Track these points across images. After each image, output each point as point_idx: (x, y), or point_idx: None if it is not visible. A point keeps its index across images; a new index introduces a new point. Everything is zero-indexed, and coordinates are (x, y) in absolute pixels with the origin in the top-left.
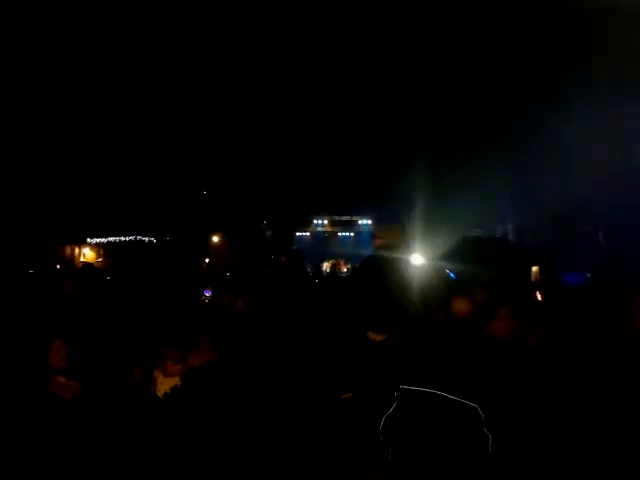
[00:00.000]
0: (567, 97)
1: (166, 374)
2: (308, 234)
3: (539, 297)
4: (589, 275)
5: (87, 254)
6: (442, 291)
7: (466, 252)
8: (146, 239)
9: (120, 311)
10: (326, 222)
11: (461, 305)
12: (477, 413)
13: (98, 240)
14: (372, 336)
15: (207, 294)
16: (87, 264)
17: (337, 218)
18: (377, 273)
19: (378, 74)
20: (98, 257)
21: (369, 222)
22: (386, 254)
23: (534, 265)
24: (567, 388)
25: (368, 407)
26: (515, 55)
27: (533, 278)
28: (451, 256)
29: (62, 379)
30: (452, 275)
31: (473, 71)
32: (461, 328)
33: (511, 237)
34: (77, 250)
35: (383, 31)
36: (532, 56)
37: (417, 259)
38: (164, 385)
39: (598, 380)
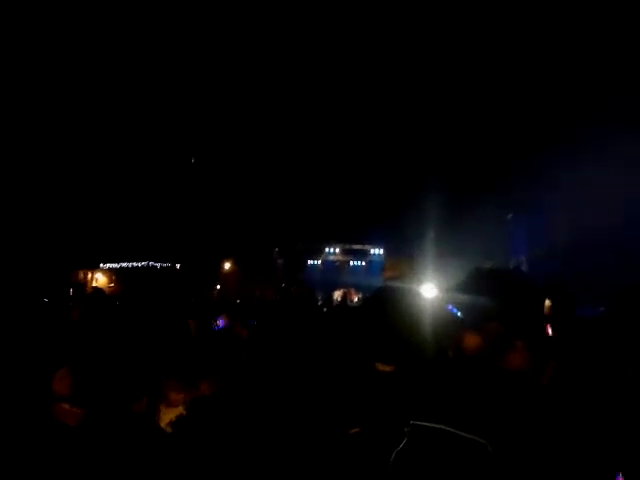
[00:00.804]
0: (581, 126)
1: (169, 405)
2: (319, 262)
3: (549, 331)
4: (602, 309)
5: (99, 279)
6: (453, 324)
7: (478, 284)
8: (158, 265)
9: (127, 339)
10: (338, 251)
11: (472, 340)
12: (486, 450)
13: (111, 265)
14: (381, 367)
15: (219, 322)
16: (96, 290)
17: (349, 247)
18: (387, 304)
19: (390, 107)
20: (110, 282)
21: (381, 251)
22: (396, 285)
23: (547, 298)
24: (579, 427)
25: (377, 442)
26: (527, 84)
27: (546, 311)
28: (463, 287)
29: (66, 406)
30: (455, 310)
31: (484, 103)
32: (472, 363)
33: (524, 269)
34: (90, 275)
35: (397, 60)
36: (544, 84)
37: (428, 290)
38: (167, 415)
39: (611, 418)
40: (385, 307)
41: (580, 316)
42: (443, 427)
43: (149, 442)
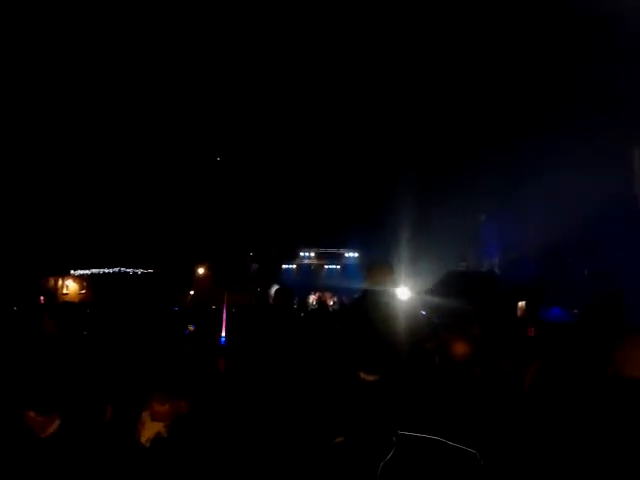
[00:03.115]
0: (556, 132)
1: (154, 418)
2: (294, 266)
3: (531, 333)
4: (576, 311)
5: (70, 286)
6: (431, 329)
7: (452, 286)
8: (130, 271)
9: (100, 351)
10: (312, 255)
11: (460, 347)
12: (476, 459)
13: (82, 272)
14: (363, 376)
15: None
16: (66, 303)
17: (323, 250)
18: (368, 314)
19: (361, 112)
20: (81, 289)
21: (356, 255)
22: (377, 293)
23: (520, 300)
24: (565, 431)
25: (362, 452)
26: (504, 88)
27: (519, 313)
28: (437, 290)
29: (31, 414)
30: (423, 314)
31: (457, 105)
32: (459, 369)
33: (497, 271)
34: (60, 282)
35: (371, 68)
36: (521, 88)
37: (404, 293)
38: (150, 430)
39: (594, 423)
40: (366, 317)
41: (553, 318)
42: (431, 437)
43: (126, 457)
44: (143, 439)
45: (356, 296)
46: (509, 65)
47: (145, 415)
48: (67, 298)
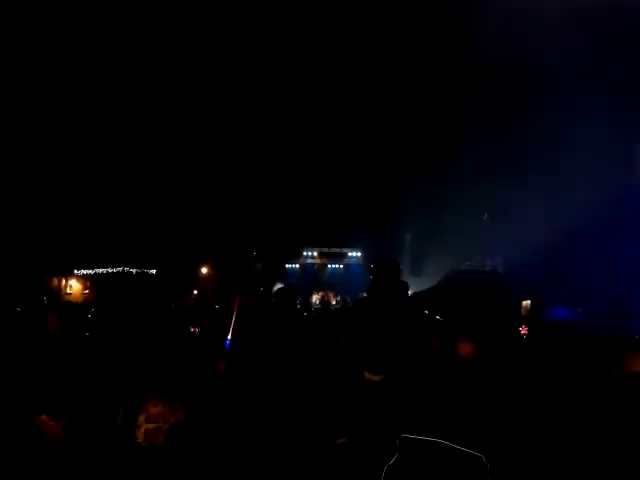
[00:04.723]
0: (556, 132)
1: (148, 420)
2: (298, 266)
3: (523, 331)
4: (579, 310)
5: (74, 286)
6: (436, 330)
7: (456, 286)
8: (134, 270)
9: (105, 352)
10: (315, 254)
11: (465, 348)
12: (482, 462)
13: (85, 271)
14: (368, 376)
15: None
16: (70, 303)
17: (326, 250)
18: (373, 313)
19: (366, 109)
20: (85, 289)
21: (359, 254)
22: (382, 291)
23: (525, 299)
24: (572, 432)
25: (365, 454)
26: (506, 89)
27: (524, 312)
28: (441, 289)
29: (43, 417)
30: (428, 312)
31: (461, 106)
32: (465, 370)
33: (501, 270)
34: (64, 281)
35: (368, 71)
36: (523, 90)
37: (410, 294)
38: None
39: (600, 422)
40: (372, 316)
41: (557, 317)
42: (436, 440)
43: (127, 458)
44: (140, 439)
45: (361, 296)
46: (507, 68)
47: (141, 419)
48: (70, 298)
